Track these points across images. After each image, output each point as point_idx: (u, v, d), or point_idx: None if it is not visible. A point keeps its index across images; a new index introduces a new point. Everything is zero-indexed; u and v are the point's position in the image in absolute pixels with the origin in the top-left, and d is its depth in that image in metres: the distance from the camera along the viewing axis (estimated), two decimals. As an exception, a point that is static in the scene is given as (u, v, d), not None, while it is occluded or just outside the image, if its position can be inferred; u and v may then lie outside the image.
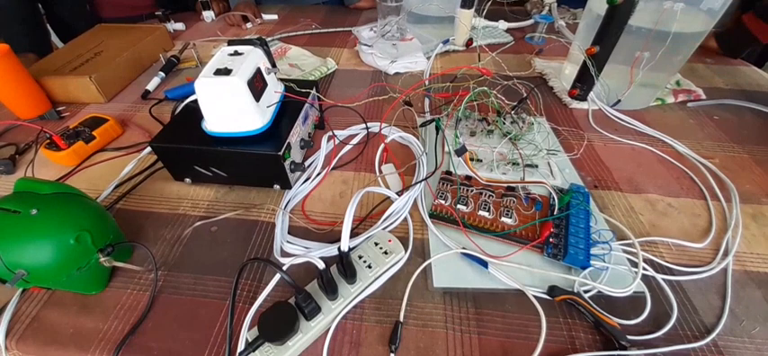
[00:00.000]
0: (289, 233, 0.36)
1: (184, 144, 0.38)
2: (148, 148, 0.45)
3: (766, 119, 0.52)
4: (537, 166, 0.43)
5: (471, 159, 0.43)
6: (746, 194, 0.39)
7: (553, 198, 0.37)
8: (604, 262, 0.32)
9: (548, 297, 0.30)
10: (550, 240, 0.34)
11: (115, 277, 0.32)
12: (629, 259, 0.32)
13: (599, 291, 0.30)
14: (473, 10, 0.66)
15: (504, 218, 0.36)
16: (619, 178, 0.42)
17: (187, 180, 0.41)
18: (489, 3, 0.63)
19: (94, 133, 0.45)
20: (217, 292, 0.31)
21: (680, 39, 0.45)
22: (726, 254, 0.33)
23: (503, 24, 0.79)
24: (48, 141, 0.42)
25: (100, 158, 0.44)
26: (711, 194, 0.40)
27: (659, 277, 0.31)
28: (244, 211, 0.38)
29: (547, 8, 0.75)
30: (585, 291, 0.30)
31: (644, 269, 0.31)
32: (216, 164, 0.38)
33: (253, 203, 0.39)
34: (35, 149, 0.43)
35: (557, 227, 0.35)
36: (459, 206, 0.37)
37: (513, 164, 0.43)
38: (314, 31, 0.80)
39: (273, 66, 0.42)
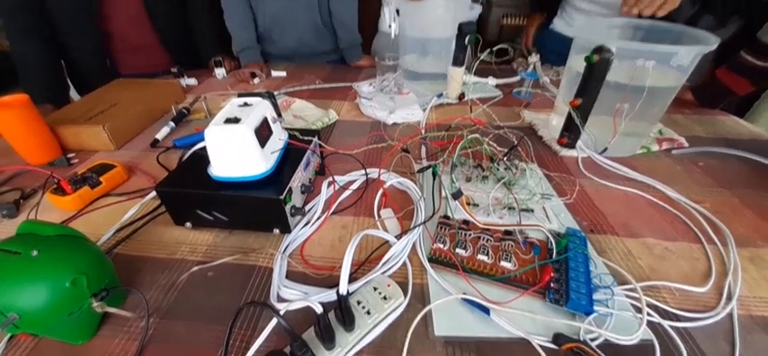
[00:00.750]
0: (286, 278, 0.35)
1: (189, 188, 0.39)
2: (152, 193, 0.46)
3: (751, 164, 0.54)
4: (532, 211, 0.44)
5: (468, 203, 0.44)
6: (741, 238, 0.40)
7: (551, 242, 0.37)
8: (608, 307, 0.31)
9: (553, 345, 0.29)
10: (551, 285, 0.33)
11: (105, 324, 0.31)
12: (632, 304, 0.32)
13: (605, 339, 0.29)
14: (464, 68, 0.71)
15: (503, 263, 0.35)
16: (614, 222, 0.43)
17: (188, 224, 0.41)
18: (478, 61, 0.68)
19: (101, 178, 0.46)
20: (209, 341, 0.30)
21: (655, 92, 0.49)
22: (729, 299, 0.33)
23: (492, 81, 0.85)
24: (55, 186, 0.43)
25: (104, 203, 0.45)
26: (707, 238, 0.40)
27: (666, 323, 0.31)
28: (242, 256, 0.38)
29: (531, 66, 0.81)
30: (592, 339, 0.29)
31: (649, 314, 0.31)
32: (218, 208, 0.39)
33: (251, 247, 0.39)
34: (42, 193, 0.44)
35: (557, 272, 0.34)
36: (458, 250, 0.37)
37: (509, 208, 0.44)
38: (317, 86, 0.86)
39: (279, 115, 0.44)
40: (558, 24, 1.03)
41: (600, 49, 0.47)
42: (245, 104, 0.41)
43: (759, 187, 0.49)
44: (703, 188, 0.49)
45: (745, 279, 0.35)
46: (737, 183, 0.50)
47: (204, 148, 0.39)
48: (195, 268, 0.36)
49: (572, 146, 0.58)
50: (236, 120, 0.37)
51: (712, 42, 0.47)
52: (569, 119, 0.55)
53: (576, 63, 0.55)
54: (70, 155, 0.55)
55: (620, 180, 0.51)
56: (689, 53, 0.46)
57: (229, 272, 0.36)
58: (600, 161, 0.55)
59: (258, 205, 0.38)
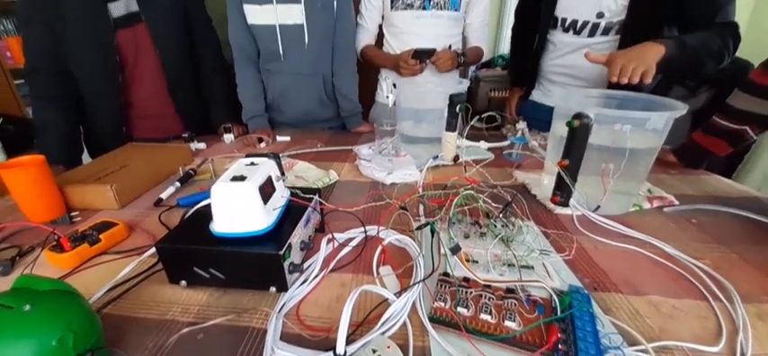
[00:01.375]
0: (281, 339, 0.34)
1: (190, 244, 0.39)
2: (149, 251, 0.46)
3: (744, 221, 0.55)
4: (532, 267, 0.43)
5: (467, 260, 0.44)
6: (746, 294, 0.39)
7: (554, 300, 0.36)
8: (619, 369, 0.29)
9: (566, 413, 0.27)
10: (559, 346, 0.32)
11: (81, 393, 0.29)
12: (645, 366, 0.30)
13: (622, 406, 0.27)
14: (456, 132, 0.77)
15: (507, 322, 0.34)
16: (616, 280, 0.42)
17: (183, 282, 0.41)
18: (469, 127, 0.73)
19: (101, 236, 0.46)
20: (193, 411, 0.27)
21: (637, 153, 0.52)
22: (745, 359, 0.31)
23: (483, 144, 0.90)
24: (54, 243, 0.43)
25: (101, 261, 0.45)
26: (712, 295, 0.39)
27: (684, 388, 0.29)
28: (235, 317, 0.36)
29: (519, 131, 0.87)
30: (607, 406, 0.27)
31: (664, 377, 0.29)
32: (216, 265, 0.39)
33: (245, 308, 0.38)
34: (40, 250, 0.44)
35: (563, 332, 0.33)
36: (459, 309, 0.36)
37: (509, 265, 0.43)
38: (319, 149, 0.91)
39: (282, 174, 0.47)
40: (537, 95, 1.11)
41: (579, 116, 0.51)
42: (252, 163, 0.43)
43: (756, 242, 0.50)
44: (701, 244, 0.49)
45: (755, 336, 0.34)
46: (734, 240, 0.50)
47: (208, 206, 0.40)
48: (185, 330, 0.35)
49: (565, 204, 0.59)
50: (242, 178, 0.39)
51: (681, 109, 0.51)
52: (560, 178, 0.57)
53: (560, 128, 0.59)
54: (74, 214, 0.56)
55: (617, 237, 0.51)
56: (661, 118, 0.50)
57: (221, 335, 0.34)
58: (594, 219, 0.56)
59: (256, 261, 0.38)
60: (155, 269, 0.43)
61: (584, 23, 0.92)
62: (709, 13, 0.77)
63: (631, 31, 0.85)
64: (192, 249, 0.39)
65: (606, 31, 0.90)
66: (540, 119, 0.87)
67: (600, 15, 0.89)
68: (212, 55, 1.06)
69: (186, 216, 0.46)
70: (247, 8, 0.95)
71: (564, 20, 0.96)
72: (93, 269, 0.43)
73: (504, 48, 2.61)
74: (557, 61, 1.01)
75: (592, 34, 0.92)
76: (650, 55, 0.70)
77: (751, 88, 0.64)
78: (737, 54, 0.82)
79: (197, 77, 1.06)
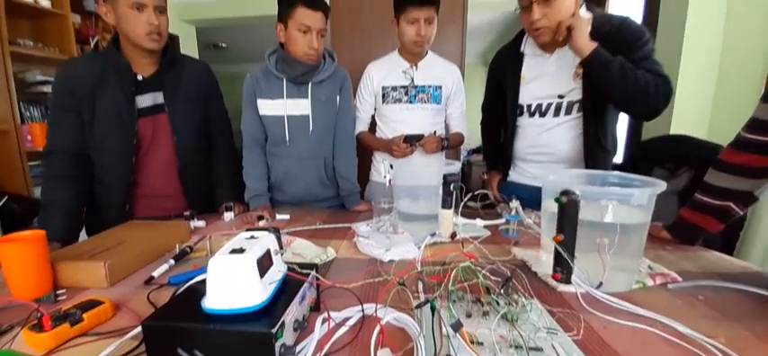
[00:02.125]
0: None
1: (178, 322, 0.37)
2: (131, 332, 0.43)
3: (749, 296, 0.54)
4: (541, 349, 0.41)
5: (471, 341, 0.42)
6: (772, 377, 0.36)
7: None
8: None
9: None
10: None
11: None
12: None
13: None
14: (452, 210, 0.79)
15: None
16: (632, 362, 0.39)
17: (164, 367, 0.37)
18: (463, 204, 0.76)
19: (84, 315, 0.44)
20: None
21: (628, 228, 0.54)
22: None
23: (480, 222, 0.92)
24: (35, 322, 0.41)
25: (80, 342, 0.42)
26: (736, 378, 0.37)
27: None
28: (217, 408, 0.33)
29: (513, 209, 0.89)
30: None
31: None
32: (203, 347, 0.36)
33: (229, 397, 0.34)
34: (20, 329, 0.41)
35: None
36: (464, 396, 0.33)
37: (516, 346, 0.41)
38: (318, 227, 0.92)
39: (281, 247, 0.47)
40: (514, 176, 1.16)
41: (566, 192, 0.54)
42: (252, 237, 0.44)
43: (766, 318, 0.48)
44: (712, 322, 0.47)
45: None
46: (743, 316, 0.48)
47: (201, 283, 0.39)
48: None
49: (567, 281, 0.58)
50: (241, 251, 0.40)
51: (661, 186, 0.55)
52: (558, 254, 0.57)
53: (550, 205, 0.61)
54: (59, 292, 0.53)
55: (625, 315, 0.49)
56: (643, 194, 0.53)
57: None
58: (600, 296, 0.54)
59: (246, 340, 0.36)
60: (138, 351, 0.40)
61: (548, 105, 1.01)
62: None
63: (588, 108, 0.96)
64: (178, 327, 0.37)
65: (569, 110, 0.99)
66: (522, 197, 0.91)
67: (561, 96, 0.99)
68: (226, 144, 1.14)
69: (177, 293, 0.45)
70: (261, 102, 1.08)
71: (529, 106, 1.04)
72: (70, 350, 0.40)
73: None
74: (528, 143, 1.08)
75: (557, 114, 1.00)
76: (585, 33, 0.83)
77: (723, 167, 0.69)
78: (708, 139, 0.90)
79: (207, 162, 1.11)
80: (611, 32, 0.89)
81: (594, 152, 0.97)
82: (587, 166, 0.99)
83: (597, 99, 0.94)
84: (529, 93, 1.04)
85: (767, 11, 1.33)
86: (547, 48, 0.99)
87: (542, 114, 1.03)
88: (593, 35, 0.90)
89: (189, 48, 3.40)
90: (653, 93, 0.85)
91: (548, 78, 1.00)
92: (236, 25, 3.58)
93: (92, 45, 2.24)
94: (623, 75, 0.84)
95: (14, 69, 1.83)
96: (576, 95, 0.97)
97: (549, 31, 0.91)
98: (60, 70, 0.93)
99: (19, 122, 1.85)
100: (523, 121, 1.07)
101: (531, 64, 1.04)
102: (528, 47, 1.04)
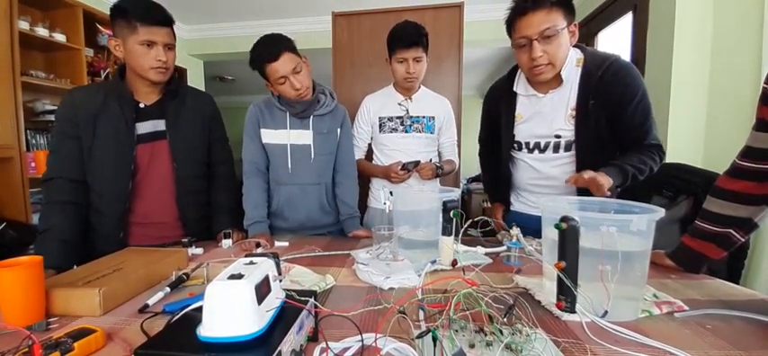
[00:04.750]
0: None
1: (169, 351, 0.36)
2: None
3: (757, 324, 0.52)
4: (547, 381, 0.39)
5: (474, 373, 0.40)
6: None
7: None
8: None
9: None
10: None
11: None
12: None
13: None
14: (452, 236, 0.78)
15: None
16: (642, 395, 0.38)
17: (154, 401, 0.36)
18: (463, 230, 0.76)
19: (75, 345, 0.43)
20: None
21: (630, 256, 0.53)
22: None
23: (481, 249, 0.91)
24: (25, 350, 0.39)
25: (67, 374, 0.40)
26: (753, 413, 0.35)
27: None
28: None
29: (514, 237, 0.89)
30: None
31: None
32: (195, 377, 0.35)
33: None
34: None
35: None
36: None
37: (521, 378, 0.39)
38: (317, 254, 0.91)
39: (279, 273, 0.46)
40: (517, 206, 1.15)
41: (566, 219, 0.55)
42: (251, 263, 0.44)
43: (778, 349, 0.46)
44: (721, 352, 0.46)
45: None
46: (753, 345, 0.47)
47: (197, 310, 0.39)
48: None
49: (572, 310, 0.57)
50: (239, 276, 0.39)
51: (660, 212, 0.55)
52: (561, 282, 0.57)
53: (551, 233, 0.61)
54: (51, 320, 0.52)
55: (633, 345, 0.48)
56: (641, 219, 0.54)
57: None
58: (606, 326, 0.53)
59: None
60: (125, 384, 0.38)
61: (547, 143, 1.01)
62: (639, 138, 0.92)
63: (582, 151, 0.97)
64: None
65: (568, 147, 0.99)
66: (527, 226, 0.90)
67: (558, 136, 0.99)
68: (227, 171, 1.15)
69: (172, 321, 0.44)
70: (264, 131, 1.11)
71: (528, 143, 1.04)
72: (56, 384, 0.39)
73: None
74: (529, 176, 1.07)
75: (556, 150, 1.00)
76: (604, 186, 0.83)
77: (720, 194, 0.70)
78: (704, 167, 0.91)
79: (206, 190, 1.11)
80: (605, 78, 0.90)
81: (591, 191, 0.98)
82: None
83: (590, 142, 0.95)
84: (526, 131, 1.04)
85: (753, 41, 1.40)
86: (539, 88, 0.99)
87: (542, 150, 1.03)
88: (585, 78, 0.92)
89: (196, 80, 3.51)
90: (654, 170, 0.92)
91: (543, 118, 1.00)
92: (243, 60, 3.72)
93: (102, 78, 2.32)
94: (635, 177, 0.90)
95: (25, 98, 1.89)
96: (573, 136, 0.97)
97: (549, 69, 0.90)
98: (65, 98, 0.95)
99: (24, 149, 1.88)
100: (523, 156, 1.07)
101: (525, 103, 1.03)
102: (520, 86, 1.03)
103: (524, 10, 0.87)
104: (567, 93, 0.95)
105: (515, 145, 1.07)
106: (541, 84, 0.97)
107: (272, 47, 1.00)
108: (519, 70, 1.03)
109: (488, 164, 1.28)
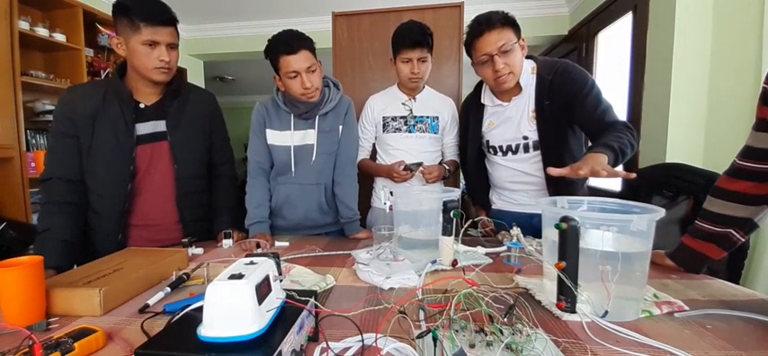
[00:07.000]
0: None
1: (170, 351, 0.36)
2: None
3: (757, 324, 0.52)
4: (548, 381, 0.39)
5: (474, 373, 0.40)
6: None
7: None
8: None
9: None
10: None
11: None
12: None
13: None
14: (452, 237, 0.78)
15: None
16: (642, 395, 0.38)
17: (154, 401, 0.36)
18: (463, 230, 0.76)
19: (76, 345, 0.43)
20: None
21: (630, 257, 0.53)
22: None
23: (481, 250, 0.91)
24: (26, 350, 0.39)
25: (67, 374, 0.40)
26: (754, 414, 0.35)
27: None
28: None
29: (514, 237, 0.89)
30: None
31: None
32: (196, 377, 0.35)
33: None
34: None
35: None
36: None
37: (522, 378, 0.39)
38: (317, 254, 0.91)
39: (280, 273, 0.46)
40: (499, 204, 1.22)
41: (566, 218, 0.55)
42: (251, 263, 0.44)
43: (778, 349, 0.46)
44: (722, 352, 0.46)
45: None
46: (753, 346, 0.47)
47: (197, 309, 0.39)
48: None
49: (572, 310, 0.57)
50: (240, 277, 0.39)
51: (660, 212, 0.55)
52: (561, 281, 0.57)
53: (551, 233, 0.61)
54: (52, 320, 0.52)
55: (633, 345, 0.48)
56: (641, 219, 0.54)
57: None
58: (607, 326, 0.53)
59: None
60: (126, 384, 0.38)
61: (517, 145, 1.11)
62: (601, 121, 0.97)
63: (545, 146, 1.06)
64: (171, 356, 0.36)
65: (536, 147, 1.08)
66: (509, 223, 0.92)
67: (525, 137, 1.09)
68: (228, 171, 1.14)
69: (172, 321, 0.44)
70: (269, 132, 1.12)
71: (501, 146, 1.14)
72: (56, 384, 0.39)
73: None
74: (506, 175, 1.17)
75: (526, 150, 1.10)
76: (602, 159, 0.84)
77: (720, 194, 0.70)
78: (704, 167, 0.92)
79: (206, 191, 1.10)
80: (555, 81, 1.02)
81: (559, 188, 1.01)
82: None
83: (551, 138, 1.06)
84: (498, 136, 1.14)
85: (753, 41, 1.40)
86: (503, 98, 1.11)
87: (514, 152, 1.13)
88: (539, 83, 1.04)
89: (196, 80, 3.50)
90: (632, 140, 0.93)
91: (510, 123, 1.11)
92: (243, 60, 3.73)
93: (102, 78, 2.31)
94: (623, 152, 0.91)
95: (25, 98, 1.89)
96: (536, 136, 1.07)
97: (511, 78, 1.02)
98: (63, 96, 0.94)
99: (24, 149, 1.88)
100: (498, 159, 1.17)
101: (491, 112, 1.15)
102: (486, 97, 1.15)
103: (481, 31, 1.00)
104: (527, 99, 1.07)
105: (491, 150, 1.18)
106: (505, 93, 1.09)
107: (292, 40, 1.02)
108: (484, 84, 1.15)
109: (469, 171, 1.34)
